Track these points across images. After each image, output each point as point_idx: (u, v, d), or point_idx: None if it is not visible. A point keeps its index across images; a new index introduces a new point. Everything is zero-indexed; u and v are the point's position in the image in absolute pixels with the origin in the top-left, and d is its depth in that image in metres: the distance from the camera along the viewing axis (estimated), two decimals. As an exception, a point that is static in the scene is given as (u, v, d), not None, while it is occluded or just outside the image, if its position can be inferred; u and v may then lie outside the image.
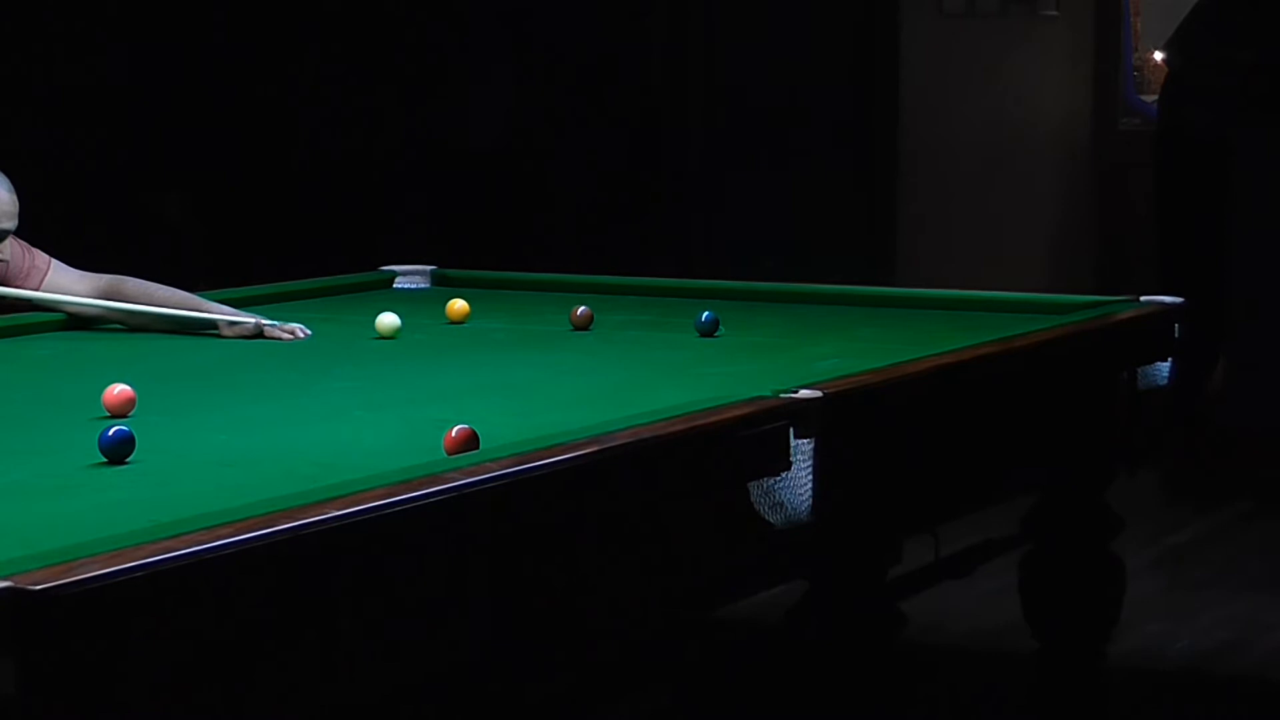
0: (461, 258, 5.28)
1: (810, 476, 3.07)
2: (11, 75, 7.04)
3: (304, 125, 7.46)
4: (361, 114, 7.45)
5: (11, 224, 4.18)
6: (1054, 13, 7.76)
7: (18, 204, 4.18)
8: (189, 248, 7.12)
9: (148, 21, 7.17)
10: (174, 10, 7.27)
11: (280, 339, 4.11)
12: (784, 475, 3.05)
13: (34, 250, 4.28)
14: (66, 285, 4.27)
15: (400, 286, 4.99)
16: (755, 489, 3.03)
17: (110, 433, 2.83)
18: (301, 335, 4.13)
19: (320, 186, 7.37)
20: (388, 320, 4.09)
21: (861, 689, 3.53)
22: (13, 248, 4.22)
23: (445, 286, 4.89)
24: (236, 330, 4.18)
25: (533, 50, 7.52)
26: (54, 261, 4.29)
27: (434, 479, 2.57)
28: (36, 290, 4.24)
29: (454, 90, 7.59)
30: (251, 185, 7.33)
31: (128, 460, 2.82)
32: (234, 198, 7.29)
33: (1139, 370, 4.18)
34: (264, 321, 4.17)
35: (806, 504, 3.06)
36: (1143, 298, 4.39)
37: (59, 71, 7.06)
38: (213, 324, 4.21)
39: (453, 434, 2.82)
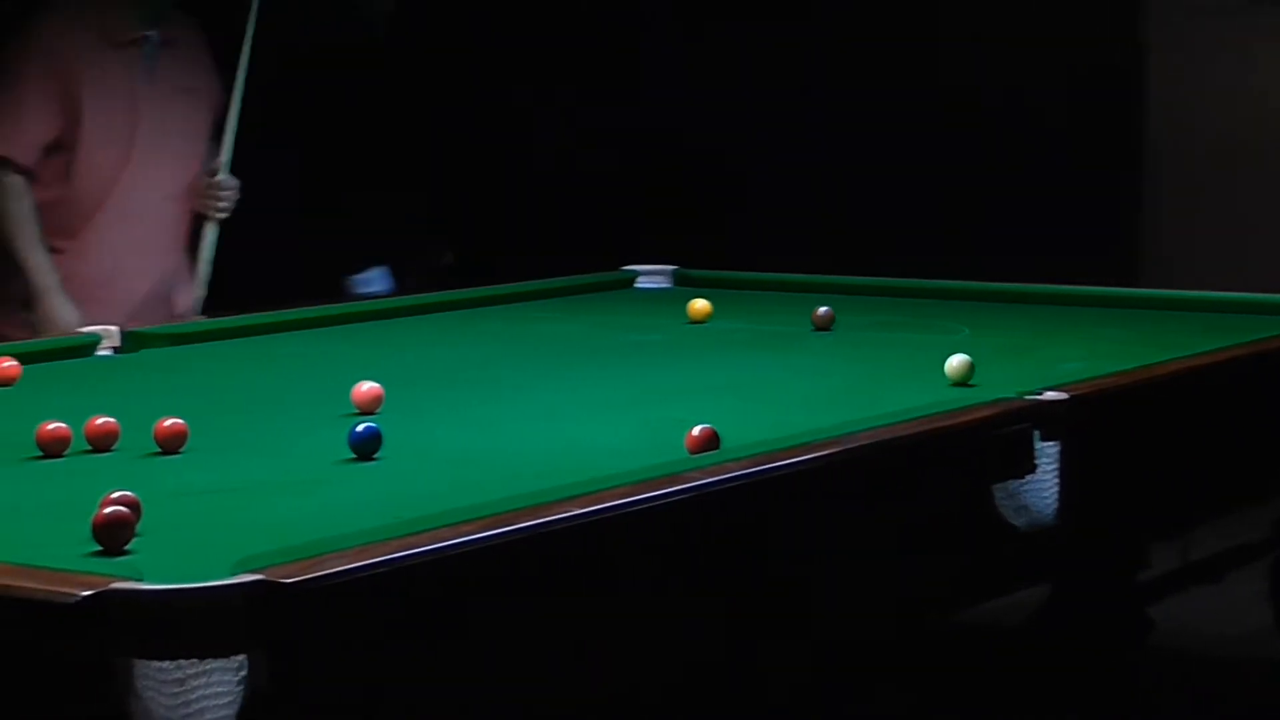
0: (703, 258, 5.28)
1: (1055, 479, 3.03)
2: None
3: (544, 124, 7.52)
4: (604, 113, 7.49)
5: None
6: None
7: None
8: (430, 248, 7.20)
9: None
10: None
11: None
12: (1029, 478, 3.02)
13: None
14: None
15: (641, 286, 5.01)
16: (999, 492, 3.00)
17: (359, 429, 2.87)
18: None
19: (563, 186, 7.43)
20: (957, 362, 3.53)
21: (1106, 694, 3.48)
22: None
23: (686, 286, 4.90)
24: None
25: (766, 55, 7.52)
26: None
27: (674, 478, 2.57)
28: None
29: (679, 93, 7.61)
30: (495, 185, 7.40)
31: (375, 457, 2.86)
32: (477, 198, 7.37)
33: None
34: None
35: (1051, 507, 3.02)
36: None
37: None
38: None
39: (694, 434, 2.82)
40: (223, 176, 5.13)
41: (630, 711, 2.51)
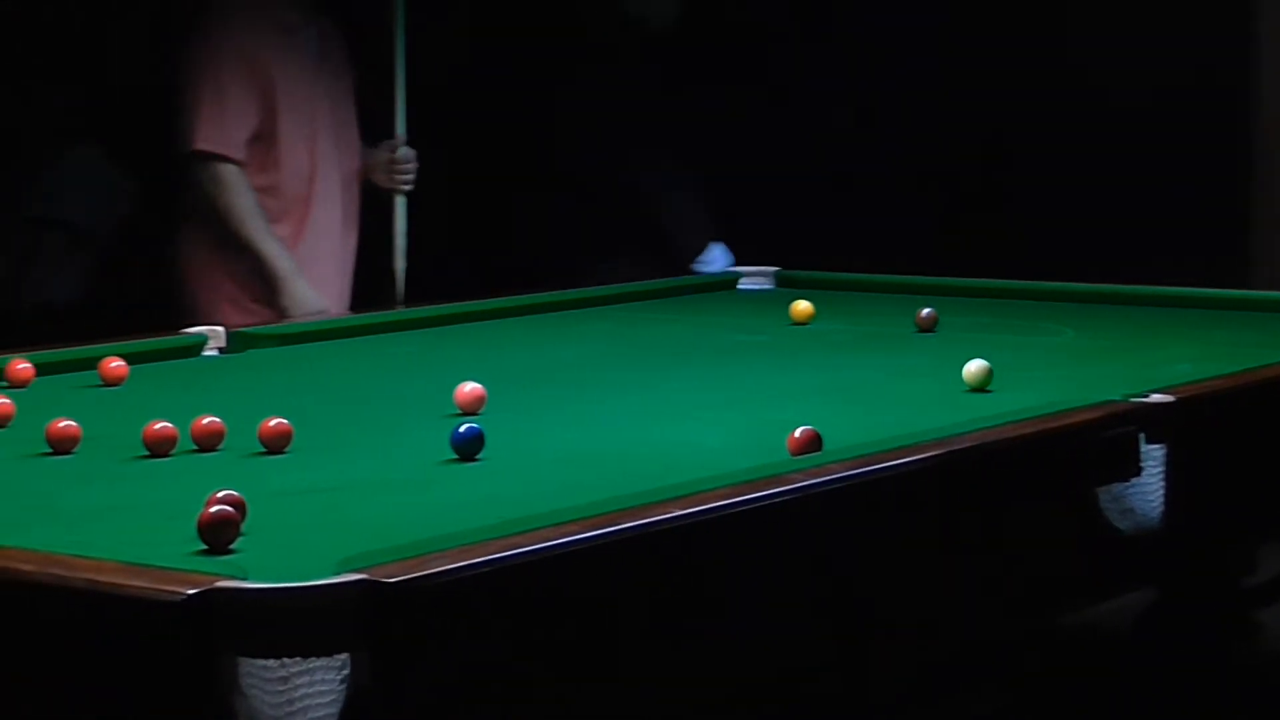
0: (805, 259, 5.27)
1: (1161, 483, 3.01)
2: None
3: (646, 121, 7.51)
4: (705, 113, 7.48)
5: None
6: None
7: None
8: (539, 248, 7.22)
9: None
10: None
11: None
12: (1134, 481, 2.99)
13: None
14: None
15: (744, 288, 5.00)
16: (1104, 495, 2.97)
17: (461, 430, 2.88)
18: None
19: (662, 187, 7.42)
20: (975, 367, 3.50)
21: (1211, 699, 3.44)
22: None
23: (789, 288, 4.89)
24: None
25: (873, 58, 7.49)
26: None
27: (777, 479, 2.57)
28: None
29: (795, 91, 7.59)
30: (596, 185, 7.40)
31: (478, 457, 2.87)
32: (578, 198, 7.38)
33: None
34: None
35: (1157, 511, 3.00)
36: None
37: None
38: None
39: (796, 435, 2.81)
40: (403, 150, 5.23)
41: (731, 712, 2.51)
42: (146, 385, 3.55)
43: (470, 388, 3.25)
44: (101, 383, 3.53)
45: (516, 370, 3.77)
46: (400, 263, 5.25)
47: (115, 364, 3.55)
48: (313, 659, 1.99)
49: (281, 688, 1.98)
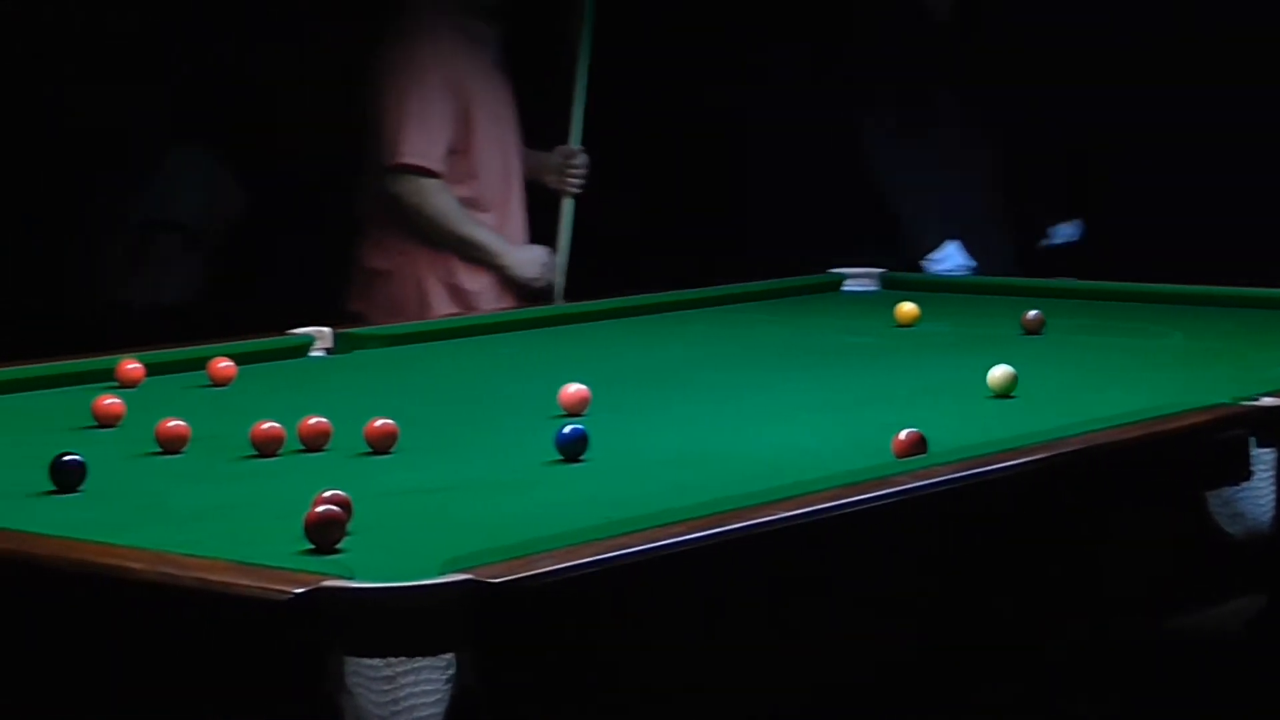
0: (910, 261, 5.25)
1: (1272, 487, 2.97)
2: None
3: (754, 127, 7.51)
4: (810, 116, 7.47)
5: None
6: None
7: None
8: (640, 249, 7.23)
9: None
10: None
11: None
12: (1244, 485, 2.96)
13: None
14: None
15: (848, 289, 4.98)
16: (1213, 499, 2.95)
17: (566, 431, 2.89)
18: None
19: (767, 188, 7.41)
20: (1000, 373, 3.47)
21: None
22: None
23: (894, 289, 4.87)
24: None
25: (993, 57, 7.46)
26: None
27: (882, 482, 2.56)
28: None
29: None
30: (699, 187, 7.41)
31: (582, 458, 2.87)
32: (682, 199, 7.38)
33: None
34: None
35: (1268, 515, 2.97)
36: None
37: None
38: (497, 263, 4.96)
39: (901, 437, 2.80)
40: (576, 150, 5.37)
41: (834, 714, 2.50)
42: (255, 385, 3.58)
43: (575, 389, 3.25)
44: (210, 383, 3.56)
45: (621, 371, 3.78)
46: (562, 261, 5.35)
47: (224, 364, 3.58)
48: (418, 658, 2.00)
49: (387, 687, 1.99)
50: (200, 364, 3.61)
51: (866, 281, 4.99)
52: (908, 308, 4.35)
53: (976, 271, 5.73)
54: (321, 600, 2.03)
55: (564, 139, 5.39)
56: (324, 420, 2.99)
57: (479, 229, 5.12)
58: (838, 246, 5.65)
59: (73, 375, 3.56)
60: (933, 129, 6.02)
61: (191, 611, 2.13)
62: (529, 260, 5.19)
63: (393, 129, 5.02)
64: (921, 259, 5.74)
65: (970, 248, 5.86)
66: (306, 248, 7.06)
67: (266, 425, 2.95)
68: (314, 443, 2.97)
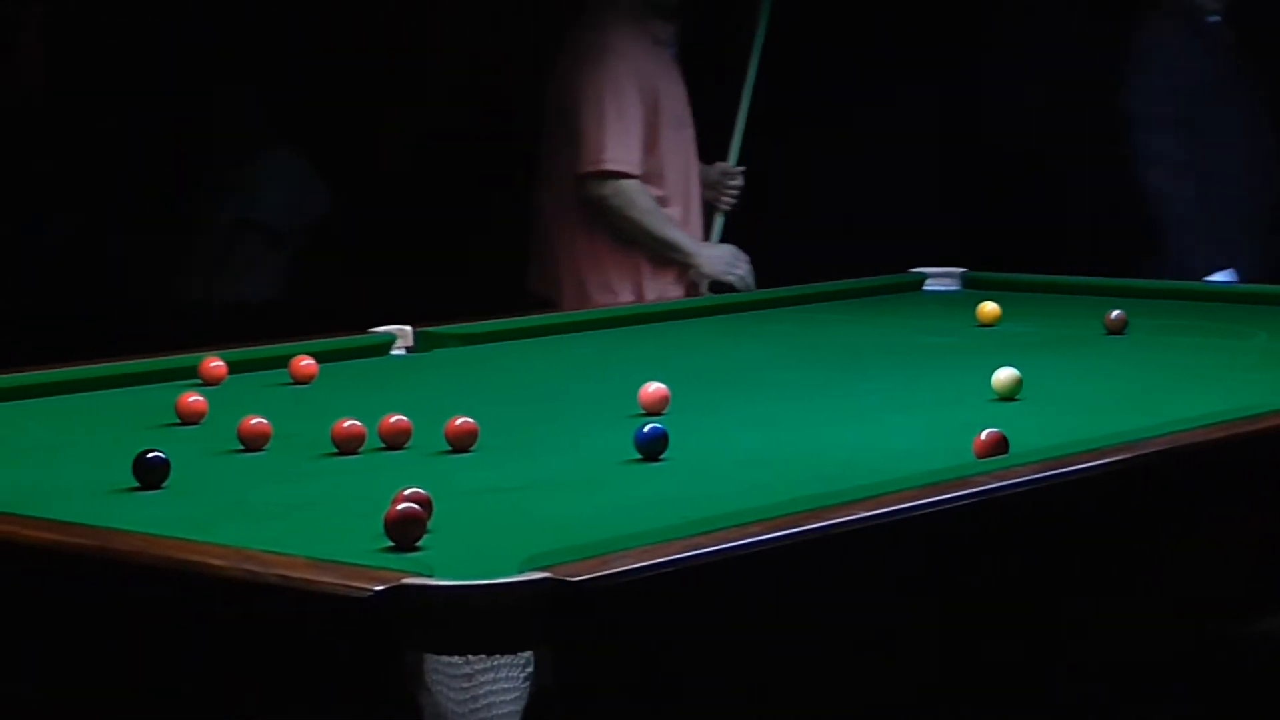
0: (993, 260, 5.22)
1: (1357, 488, 2.95)
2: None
3: (832, 125, 7.49)
4: (892, 114, 7.45)
5: None
6: None
7: None
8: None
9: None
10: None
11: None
12: (1328, 486, 2.94)
13: None
14: None
15: (930, 289, 4.97)
16: (1298, 500, 2.92)
17: (645, 430, 2.89)
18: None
19: (849, 187, 7.39)
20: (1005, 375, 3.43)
21: None
22: None
23: (976, 289, 4.85)
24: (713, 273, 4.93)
25: (1071, 51, 7.40)
26: None
27: (962, 482, 2.55)
28: None
29: (989, 91, 7.53)
30: (781, 187, 7.39)
31: (662, 457, 2.88)
32: (763, 199, 7.37)
33: None
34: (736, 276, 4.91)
35: (1353, 516, 2.94)
36: None
37: None
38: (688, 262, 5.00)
39: (982, 437, 2.79)
40: (736, 171, 5.52)
41: (915, 714, 2.49)
42: (336, 383, 3.60)
43: (654, 388, 3.25)
44: (292, 381, 3.58)
45: (701, 370, 3.78)
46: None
47: (306, 362, 3.60)
48: (497, 656, 2.00)
49: (466, 684, 1.99)
50: (282, 362, 3.63)
51: (948, 281, 4.97)
52: (989, 307, 4.33)
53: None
54: (401, 598, 2.04)
55: (709, 147, 5.49)
56: (404, 418, 3.00)
57: (675, 229, 5.25)
58: (920, 244, 5.64)
59: (157, 373, 3.58)
60: (1217, 142, 6.02)
61: (272, 608, 2.14)
62: (718, 257, 5.29)
63: (592, 135, 5.17)
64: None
65: (1253, 258, 5.86)
66: (389, 246, 7.11)
67: (348, 423, 2.97)
68: (394, 441, 2.98)
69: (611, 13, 5.27)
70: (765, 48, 5.52)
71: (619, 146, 5.16)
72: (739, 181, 5.53)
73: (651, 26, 5.28)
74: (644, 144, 5.22)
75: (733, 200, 5.53)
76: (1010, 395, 3.35)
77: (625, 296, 5.25)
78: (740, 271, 5.24)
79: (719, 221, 5.53)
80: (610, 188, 5.17)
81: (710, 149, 5.54)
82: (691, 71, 5.50)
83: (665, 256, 5.24)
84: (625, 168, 5.18)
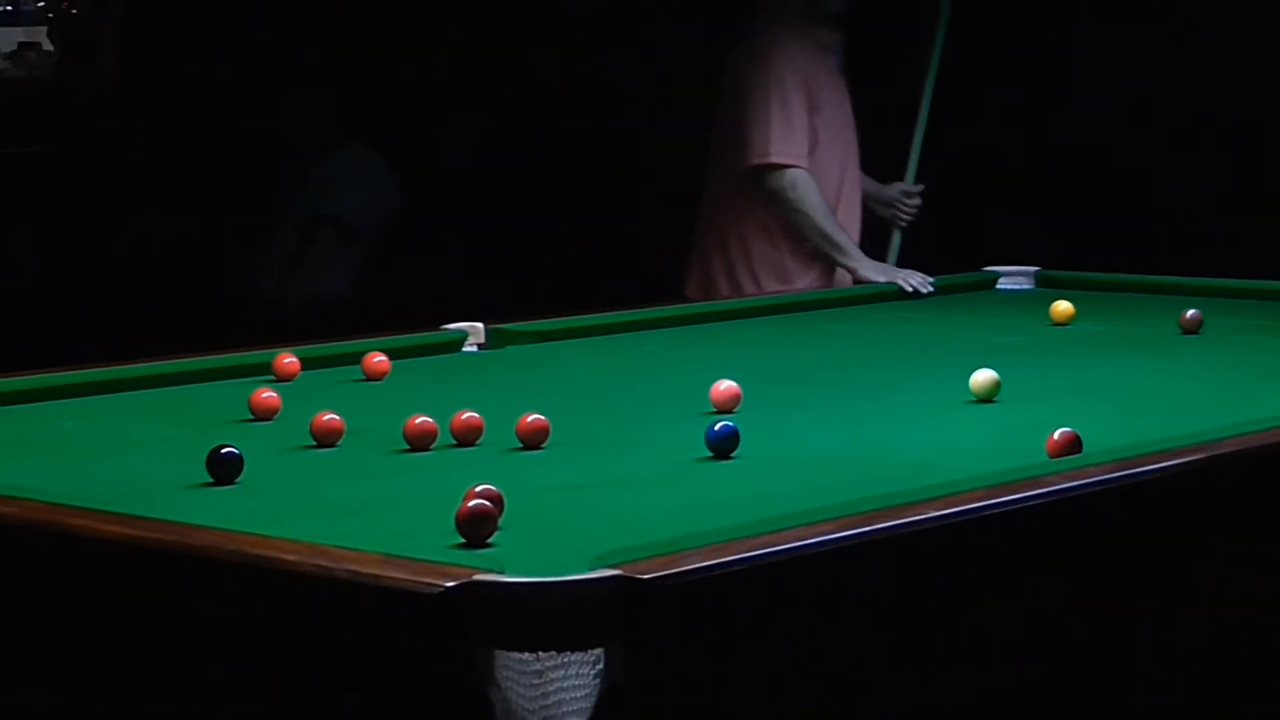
0: (1066, 259, 5.20)
1: None
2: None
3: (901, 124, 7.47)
4: (965, 112, 7.42)
5: None
6: None
7: None
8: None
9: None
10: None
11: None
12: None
13: None
14: None
15: (1003, 288, 4.95)
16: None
17: (716, 428, 2.89)
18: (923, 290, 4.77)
19: (924, 185, 7.37)
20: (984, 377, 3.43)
21: None
22: None
23: (1049, 288, 4.83)
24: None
25: (1148, 52, 7.36)
26: None
27: (1034, 482, 2.54)
28: None
29: (1065, 89, 7.50)
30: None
31: (732, 455, 2.87)
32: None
33: None
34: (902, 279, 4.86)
35: None
36: None
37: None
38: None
39: (1055, 437, 2.78)
40: (914, 190, 5.59)
41: (979, 716, 2.48)
42: (408, 380, 3.61)
43: (725, 386, 3.25)
44: (365, 377, 3.59)
45: (772, 369, 3.77)
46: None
47: (378, 359, 3.62)
48: (567, 653, 2.00)
49: (536, 681, 2.00)
50: (355, 359, 3.65)
51: (1021, 280, 4.95)
52: (1063, 306, 4.31)
53: None
54: (472, 594, 2.04)
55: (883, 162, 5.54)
56: (476, 415, 3.01)
57: (840, 231, 5.25)
58: (992, 244, 5.62)
59: (231, 369, 3.60)
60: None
61: (344, 603, 2.15)
62: (876, 266, 5.24)
63: (760, 130, 5.20)
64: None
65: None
66: (462, 244, 7.12)
67: (420, 420, 2.98)
68: (466, 438, 2.99)
69: (779, 17, 5.34)
70: (941, 68, 5.56)
71: (785, 140, 5.20)
72: (917, 201, 5.58)
73: (817, 33, 5.34)
74: (808, 141, 5.26)
75: (909, 218, 5.57)
76: (988, 397, 3.33)
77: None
78: (915, 281, 5.06)
79: (896, 239, 5.55)
80: (787, 178, 5.20)
81: (881, 163, 5.55)
82: (864, 83, 5.53)
83: (826, 255, 5.22)
84: (792, 160, 5.21)
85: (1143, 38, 7.37)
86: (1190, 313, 4.14)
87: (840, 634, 2.27)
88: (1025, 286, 4.93)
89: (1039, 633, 2.51)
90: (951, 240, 6.55)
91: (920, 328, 4.36)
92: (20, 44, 9.51)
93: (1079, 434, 2.78)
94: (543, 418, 2.99)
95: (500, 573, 2.09)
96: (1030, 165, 7.46)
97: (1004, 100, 7.43)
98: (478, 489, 2.42)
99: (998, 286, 4.96)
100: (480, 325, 4.03)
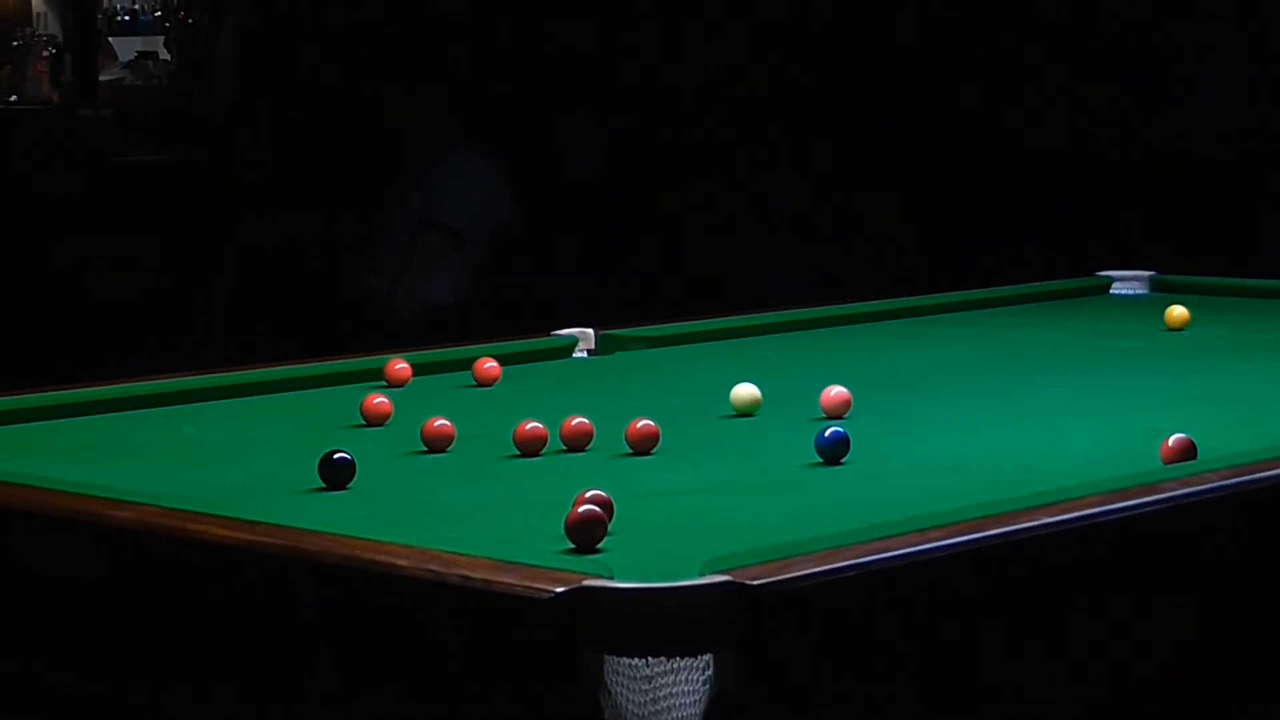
0: (1183, 262, 5.15)
1: None
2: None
3: (1014, 126, 7.42)
4: (1077, 114, 7.37)
5: None
6: None
7: None
8: (903, 251, 7.19)
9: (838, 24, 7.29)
10: (867, 12, 7.36)
11: None
12: None
13: None
14: None
15: (1117, 293, 4.91)
16: None
17: (827, 433, 2.88)
18: None
19: (1034, 189, 7.32)
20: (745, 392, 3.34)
21: None
22: None
23: (1164, 292, 4.78)
24: None
25: (1266, 51, 7.28)
26: None
27: (1149, 489, 2.52)
28: None
29: (1178, 90, 7.43)
30: (963, 188, 7.34)
31: (843, 461, 2.87)
32: (945, 201, 7.32)
33: None
34: None
35: None
36: None
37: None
38: None
39: (1169, 443, 2.75)
40: None
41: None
42: (519, 386, 3.62)
43: (836, 392, 3.24)
44: (475, 383, 3.61)
45: (883, 374, 3.76)
46: None
47: (489, 365, 3.63)
48: (677, 659, 2.00)
49: (646, 687, 2.00)
50: (466, 364, 3.66)
51: (1136, 284, 4.91)
52: (1179, 311, 4.26)
53: None
54: (582, 599, 2.05)
55: None
56: (586, 421, 3.02)
57: None
58: (1106, 248, 5.57)
59: (343, 374, 3.63)
60: None
61: (455, 608, 2.16)
62: None
63: None
64: None
65: None
66: (574, 250, 7.14)
67: (530, 425, 2.98)
68: (576, 443, 3.00)
69: None
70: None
71: None
72: None
73: None
74: None
75: None
76: (748, 412, 3.27)
77: None
78: None
79: None
80: None
81: None
82: None
83: None
84: None
85: (1260, 37, 7.29)
86: (1309, 317, 4.09)
87: (951, 641, 2.26)
88: (1140, 291, 4.89)
89: (1154, 640, 2.49)
90: (1064, 243, 6.51)
91: (1033, 333, 4.33)
92: (138, 53, 9.64)
93: (1194, 440, 2.75)
94: (652, 423, 2.99)
95: (610, 578, 2.09)
96: (1145, 167, 7.39)
97: (1117, 100, 7.38)
98: (588, 494, 2.42)
99: (1111, 291, 4.92)
100: (591, 331, 4.03)
